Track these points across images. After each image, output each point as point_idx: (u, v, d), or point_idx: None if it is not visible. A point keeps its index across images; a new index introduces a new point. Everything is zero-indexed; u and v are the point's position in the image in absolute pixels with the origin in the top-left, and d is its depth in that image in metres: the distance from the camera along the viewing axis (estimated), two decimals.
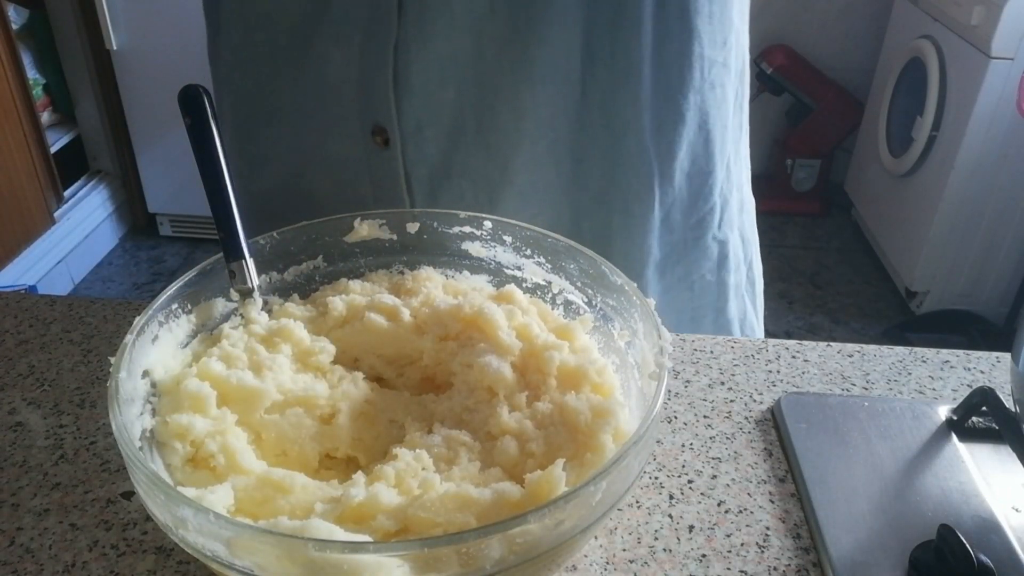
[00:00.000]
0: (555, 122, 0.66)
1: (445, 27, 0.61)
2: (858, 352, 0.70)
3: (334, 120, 0.69)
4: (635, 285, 0.52)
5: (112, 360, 0.45)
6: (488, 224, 0.59)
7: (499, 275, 0.61)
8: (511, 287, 0.58)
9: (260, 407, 0.49)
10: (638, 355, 0.52)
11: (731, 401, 0.64)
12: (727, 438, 0.60)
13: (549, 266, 0.59)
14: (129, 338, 0.47)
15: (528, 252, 0.59)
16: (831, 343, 0.71)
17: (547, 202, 0.69)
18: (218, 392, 0.48)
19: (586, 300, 0.57)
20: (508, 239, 0.59)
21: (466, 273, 0.61)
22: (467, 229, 0.60)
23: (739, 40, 0.69)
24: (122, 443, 0.40)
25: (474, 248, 0.60)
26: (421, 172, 0.68)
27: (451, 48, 0.62)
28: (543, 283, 0.60)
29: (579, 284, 0.58)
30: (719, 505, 0.55)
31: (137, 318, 0.49)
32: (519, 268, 0.60)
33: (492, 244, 0.60)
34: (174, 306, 0.52)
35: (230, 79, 0.73)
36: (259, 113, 0.72)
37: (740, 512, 0.54)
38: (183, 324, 0.53)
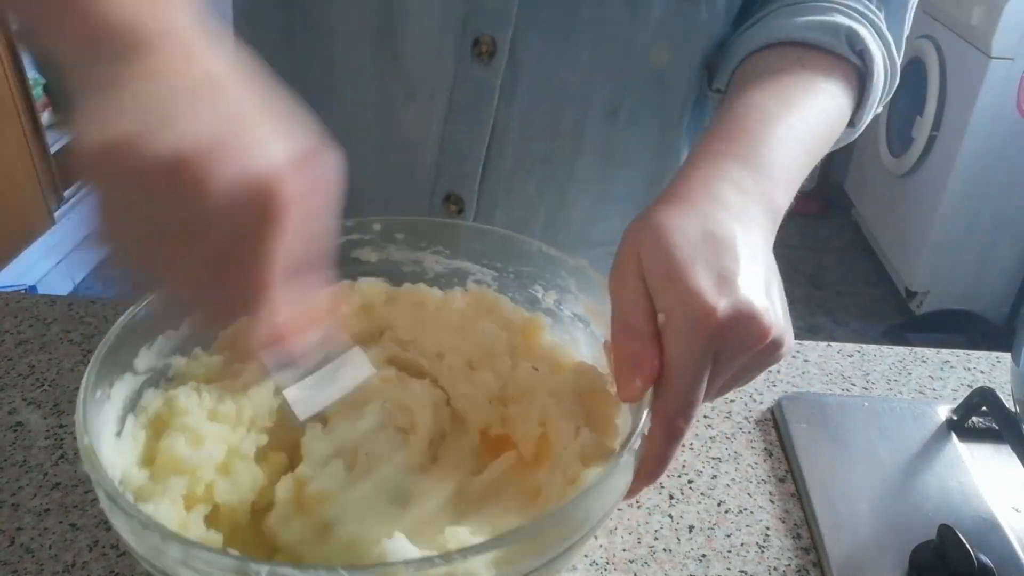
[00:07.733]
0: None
1: (545, 131, 0.63)
2: (858, 352, 0.70)
3: (402, 172, 0.67)
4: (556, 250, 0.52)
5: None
6: (376, 226, 0.55)
7: (395, 275, 0.56)
8: (537, 316, 0.54)
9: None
10: (578, 308, 0.52)
11: (731, 401, 0.64)
12: (727, 438, 0.60)
13: (449, 252, 0.56)
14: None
15: (423, 244, 0.56)
16: (831, 343, 0.71)
17: None
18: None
19: (496, 275, 0.55)
20: (400, 236, 0.56)
21: (361, 280, 0.56)
22: (355, 236, 0.55)
23: None
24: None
25: (364, 253, 0.56)
26: None
27: (548, 151, 0.64)
28: (445, 271, 0.56)
29: (484, 262, 0.55)
30: (719, 505, 0.55)
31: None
32: (418, 263, 0.56)
33: (384, 245, 0.56)
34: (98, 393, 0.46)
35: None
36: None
37: (740, 512, 0.54)
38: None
